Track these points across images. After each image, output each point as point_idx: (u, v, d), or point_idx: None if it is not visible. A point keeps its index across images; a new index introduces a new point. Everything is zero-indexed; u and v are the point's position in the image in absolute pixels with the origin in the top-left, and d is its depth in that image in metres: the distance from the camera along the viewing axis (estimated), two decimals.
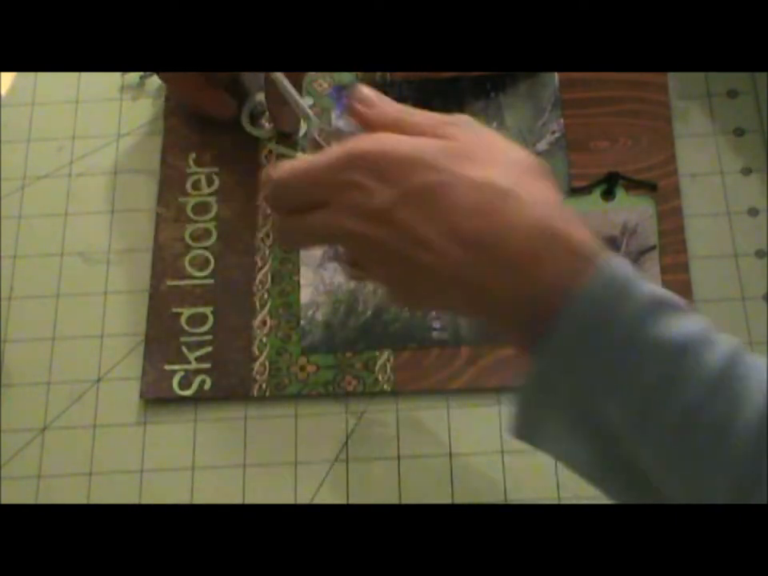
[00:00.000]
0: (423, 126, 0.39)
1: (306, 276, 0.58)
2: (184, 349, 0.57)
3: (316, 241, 0.42)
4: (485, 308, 0.37)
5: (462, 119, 0.40)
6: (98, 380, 0.57)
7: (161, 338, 0.57)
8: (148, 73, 0.64)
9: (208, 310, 0.58)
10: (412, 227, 0.37)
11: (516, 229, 0.35)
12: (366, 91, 0.41)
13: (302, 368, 0.56)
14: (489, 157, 0.38)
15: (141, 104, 0.65)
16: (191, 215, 0.60)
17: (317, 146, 0.43)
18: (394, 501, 0.53)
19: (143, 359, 0.57)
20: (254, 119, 0.61)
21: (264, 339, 0.57)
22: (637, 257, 0.56)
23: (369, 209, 0.37)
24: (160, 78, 0.62)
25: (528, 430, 0.38)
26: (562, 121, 0.61)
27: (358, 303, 0.57)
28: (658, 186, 0.58)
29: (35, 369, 0.57)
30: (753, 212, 0.58)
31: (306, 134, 0.62)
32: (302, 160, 0.40)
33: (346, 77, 0.63)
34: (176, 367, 0.56)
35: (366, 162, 0.38)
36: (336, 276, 0.58)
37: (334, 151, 0.39)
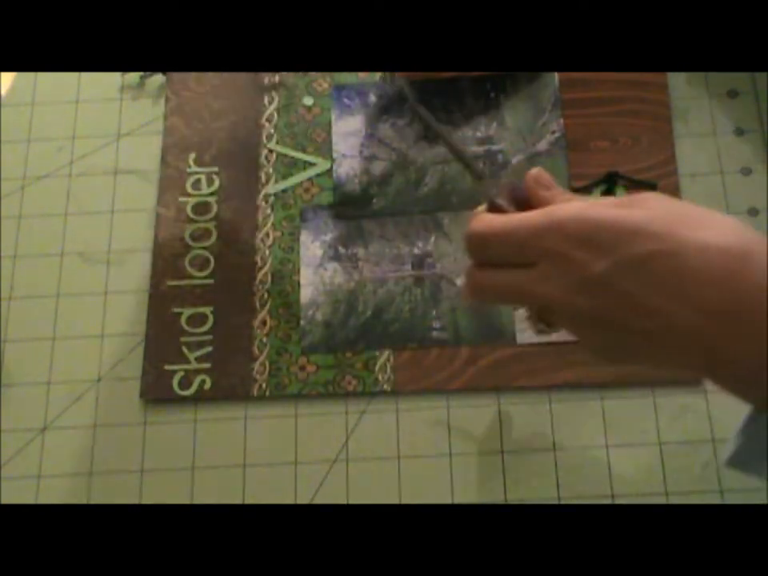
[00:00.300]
0: (608, 203, 0.38)
1: (306, 276, 0.58)
2: (184, 349, 0.57)
3: (509, 300, 0.42)
4: (721, 370, 0.36)
5: (646, 194, 0.39)
6: (98, 380, 0.57)
7: (161, 338, 0.57)
8: (148, 73, 0.64)
9: (208, 310, 0.58)
10: (635, 296, 0.36)
11: (759, 291, 0.35)
12: (543, 174, 0.41)
13: (302, 368, 0.56)
14: (698, 222, 0.37)
15: (141, 104, 0.65)
16: (191, 215, 0.60)
17: (492, 199, 0.41)
18: (394, 501, 0.53)
19: (143, 359, 0.57)
20: None
21: (264, 339, 0.57)
22: None
23: (580, 279, 0.37)
24: None
25: (751, 464, 0.38)
26: (561, 121, 0.61)
27: (357, 303, 0.57)
28: (657, 186, 0.58)
29: (35, 369, 0.57)
30: (753, 212, 0.58)
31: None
32: (502, 218, 0.39)
33: (345, 77, 0.63)
34: (176, 367, 0.56)
35: (571, 230, 0.37)
36: (336, 276, 0.58)
37: (536, 216, 0.38)
